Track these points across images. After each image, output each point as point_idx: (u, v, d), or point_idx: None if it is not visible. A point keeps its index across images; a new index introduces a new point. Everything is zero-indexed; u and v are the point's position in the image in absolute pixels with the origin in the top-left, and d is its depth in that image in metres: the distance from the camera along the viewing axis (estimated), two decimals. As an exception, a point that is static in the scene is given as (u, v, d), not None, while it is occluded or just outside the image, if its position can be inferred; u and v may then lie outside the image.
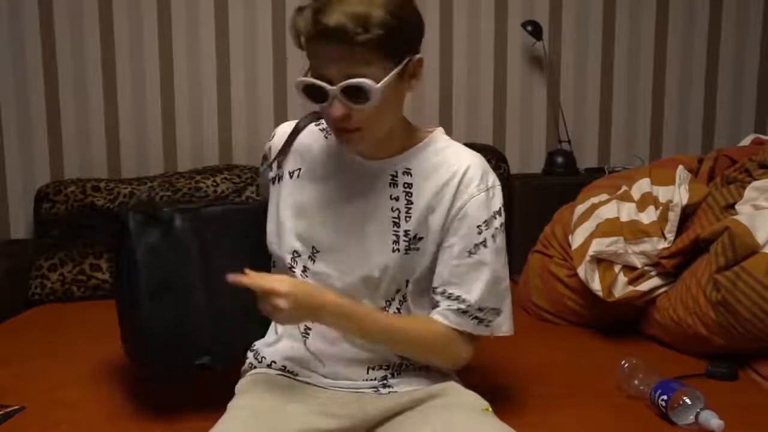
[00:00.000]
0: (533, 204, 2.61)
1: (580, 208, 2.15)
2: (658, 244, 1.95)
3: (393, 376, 1.40)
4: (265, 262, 1.48)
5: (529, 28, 2.73)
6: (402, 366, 1.41)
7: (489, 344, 1.48)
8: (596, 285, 1.96)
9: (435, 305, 1.39)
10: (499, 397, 1.51)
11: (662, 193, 2.05)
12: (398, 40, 1.24)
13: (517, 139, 2.90)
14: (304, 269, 1.40)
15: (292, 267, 1.41)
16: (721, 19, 2.92)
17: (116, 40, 2.67)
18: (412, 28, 1.28)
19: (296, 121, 1.49)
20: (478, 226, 1.36)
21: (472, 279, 1.36)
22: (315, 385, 1.40)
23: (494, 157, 2.61)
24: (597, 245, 1.98)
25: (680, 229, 1.98)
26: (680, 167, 2.10)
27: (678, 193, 2.00)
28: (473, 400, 1.39)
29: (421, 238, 1.37)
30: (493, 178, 1.39)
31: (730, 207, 1.94)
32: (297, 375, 1.42)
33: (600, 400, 1.60)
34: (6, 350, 1.93)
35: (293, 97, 2.75)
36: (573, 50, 2.88)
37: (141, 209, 1.50)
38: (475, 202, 1.35)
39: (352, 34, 1.18)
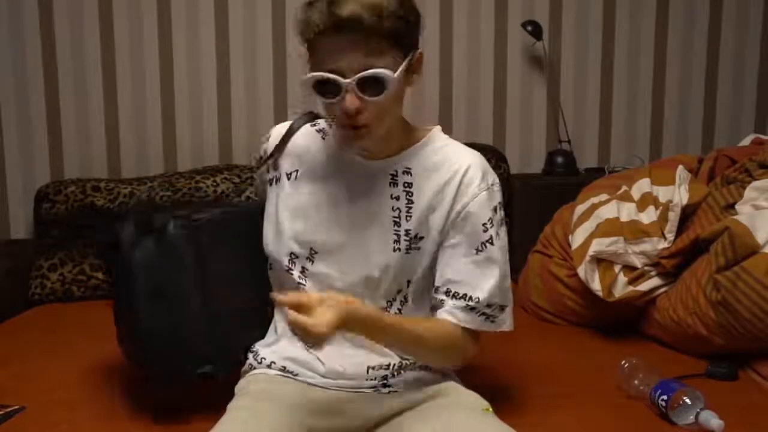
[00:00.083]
0: (533, 204, 2.61)
1: (580, 208, 2.15)
2: (658, 244, 1.95)
3: (393, 376, 1.40)
4: (262, 263, 1.48)
5: (529, 28, 2.73)
6: (402, 366, 1.40)
7: (489, 344, 1.48)
8: (596, 285, 1.96)
9: (437, 305, 1.39)
10: (499, 397, 1.51)
11: (662, 193, 2.05)
12: (407, 31, 1.26)
13: (517, 139, 2.90)
14: (303, 270, 1.40)
15: (290, 269, 1.41)
16: (721, 19, 2.92)
17: (116, 40, 2.67)
18: (417, 21, 1.29)
19: (289, 122, 1.49)
20: (483, 224, 1.36)
21: (482, 276, 1.36)
22: (315, 386, 1.40)
23: (494, 157, 2.61)
24: (597, 245, 1.98)
25: (680, 229, 1.98)
26: (680, 167, 2.10)
27: (678, 193, 2.00)
28: (473, 400, 1.39)
29: (421, 238, 1.37)
30: (493, 177, 1.40)
31: (730, 207, 1.94)
32: (297, 375, 1.42)
33: (600, 400, 1.60)
34: (6, 350, 1.93)
35: (293, 97, 2.75)
36: (573, 50, 2.88)
37: (135, 218, 1.49)
38: (478, 202, 1.36)
39: (368, 24, 1.19)
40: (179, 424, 1.48)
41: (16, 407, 1.56)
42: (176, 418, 1.50)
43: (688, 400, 1.46)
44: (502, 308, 1.40)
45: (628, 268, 1.97)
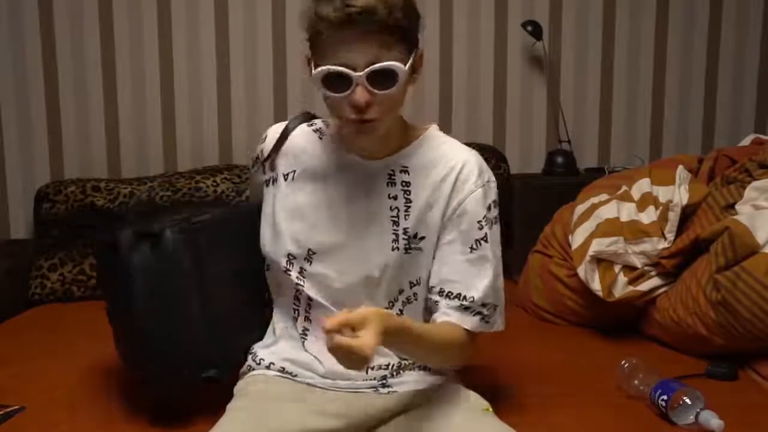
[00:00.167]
0: (533, 204, 2.60)
1: (580, 208, 2.15)
2: (658, 244, 1.95)
3: (392, 376, 1.40)
4: (260, 263, 1.48)
5: (529, 28, 2.73)
6: (401, 366, 1.40)
7: (489, 344, 1.48)
8: (596, 285, 1.96)
9: (432, 307, 1.38)
10: (499, 397, 1.51)
11: (662, 193, 2.04)
12: (413, 27, 1.27)
13: (517, 139, 2.90)
14: (301, 271, 1.40)
15: (288, 270, 1.40)
16: (721, 19, 2.92)
17: (116, 40, 2.67)
18: (418, 19, 1.30)
19: (285, 122, 1.48)
20: (478, 221, 1.36)
21: (476, 275, 1.36)
22: (314, 386, 1.40)
23: (494, 157, 2.61)
24: (597, 245, 1.98)
25: (680, 229, 1.98)
26: (680, 167, 2.10)
27: (678, 193, 2.00)
28: (473, 400, 1.39)
29: (422, 238, 1.37)
30: (489, 174, 1.40)
31: (730, 207, 1.94)
32: (296, 376, 1.42)
33: (600, 400, 1.60)
34: (6, 350, 1.93)
35: (293, 96, 2.75)
36: (573, 50, 2.88)
37: (133, 222, 1.48)
38: (474, 198, 1.36)
39: (380, 16, 1.19)
40: (179, 424, 1.48)
41: (16, 407, 1.56)
42: (176, 419, 1.49)
43: (688, 400, 1.46)
44: (495, 308, 1.39)
45: (628, 268, 1.97)
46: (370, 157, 1.38)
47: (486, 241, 1.36)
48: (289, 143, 1.45)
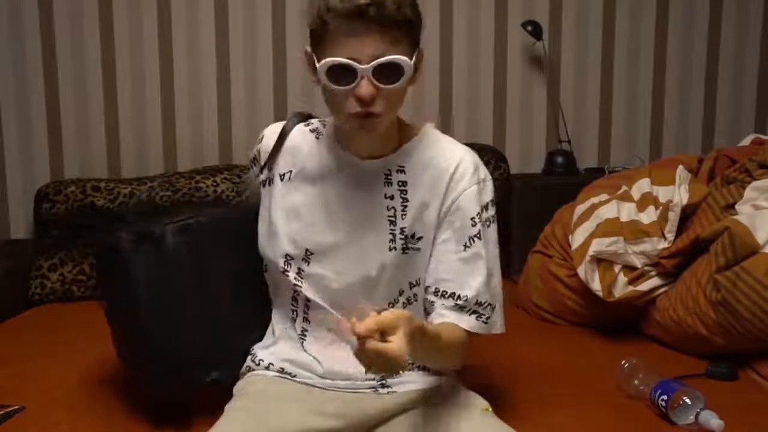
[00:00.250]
0: (533, 204, 2.61)
1: (580, 208, 2.15)
2: (658, 244, 1.95)
3: (392, 376, 1.39)
4: (260, 264, 1.48)
5: (529, 28, 2.73)
6: (401, 366, 1.40)
7: (489, 344, 1.47)
8: (596, 285, 1.96)
9: (428, 308, 1.38)
10: (499, 397, 1.51)
11: (662, 193, 2.05)
12: (418, 25, 1.27)
13: (517, 139, 2.90)
14: (299, 271, 1.40)
15: (286, 271, 1.40)
16: (721, 19, 2.92)
17: (116, 40, 2.68)
18: (422, 18, 1.30)
19: (282, 122, 1.48)
20: (471, 218, 1.35)
21: (469, 273, 1.35)
22: (313, 386, 1.40)
23: (494, 157, 2.61)
24: (597, 245, 1.98)
25: (680, 229, 1.98)
26: (680, 167, 2.10)
27: (678, 193, 2.00)
28: (473, 400, 1.39)
29: (420, 237, 1.37)
30: (484, 172, 1.39)
31: (730, 207, 1.94)
32: (295, 376, 1.42)
33: (600, 400, 1.60)
34: (6, 350, 1.93)
35: (293, 96, 2.75)
36: (573, 50, 2.88)
37: (133, 224, 1.48)
38: (468, 195, 1.35)
39: (389, 10, 1.19)
40: (178, 424, 1.48)
41: (16, 407, 1.56)
42: (175, 419, 1.49)
43: (688, 400, 1.46)
44: (492, 308, 1.38)
45: (628, 268, 1.97)
46: (366, 156, 1.37)
47: (479, 238, 1.35)
48: (286, 143, 1.45)
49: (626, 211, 2.04)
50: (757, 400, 1.62)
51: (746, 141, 2.36)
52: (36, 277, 2.42)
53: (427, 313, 1.39)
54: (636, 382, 1.60)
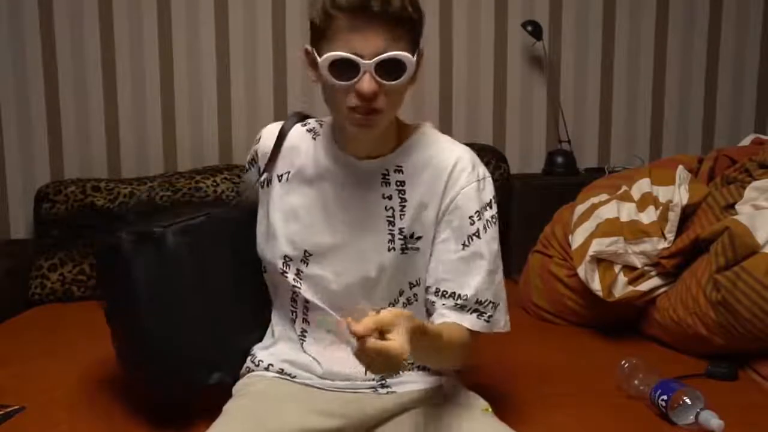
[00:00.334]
0: (533, 204, 2.61)
1: (580, 208, 2.15)
2: (658, 244, 1.95)
3: (391, 376, 1.39)
4: (260, 264, 1.48)
5: (529, 28, 2.73)
6: (401, 366, 1.40)
7: (489, 344, 1.47)
8: (596, 285, 1.96)
9: (430, 308, 1.37)
10: (499, 397, 1.51)
11: (662, 193, 2.05)
12: (420, 23, 1.27)
13: (517, 139, 2.90)
14: (298, 273, 1.39)
15: (284, 272, 1.40)
16: (721, 19, 2.92)
17: (116, 40, 2.67)
18: (424, 17, 1.30)
19: (279, 123, 1.47)
20: (470, 217, 1.34)
21: (469, 272, 1.34)
22: (313, 387, 1.40)
23: (494, 157, 2.61)
24: (597, 245, 1.98)
25: (680, 229, 1.98)
26: (680, 167, 2.10)
27: (678, 193, 2.00)
28: (473, 400, 1.39)
29: (419, 237, 1.37)
30: (483, 170, 1.38)
31: (730, 207, 1.94)
32: (295, 377, 1.42)
33: (600, 400, 1.60)
34: (6, 350, 1.93)
35: (293, 96, 2.75)
36: (573, 50, 2.88)
37: (133, 225, 1.47)
38: (466, 194, 1.35)
39: (395, 7, 1.19)
40: (178, 424, 1.48)
41: (16, 407, 1.56)
42: (176, 419, 1.49)
43: (688, 400, 1.46)
44: (495, 306, 1.37)
45: (628, 268, 1.97)
46: (364, 156, 1.36)
47: (478, 236, 1.34)
48: (285, 144, 1.44)
49: (626, 211, 2.04)
50: (757, 400, 1.62)
51: (746, 141, 2.36)
52: (36, 277, 2.42)
53: (428, 313, 1.39)
54: (636, 382, 1.60)
